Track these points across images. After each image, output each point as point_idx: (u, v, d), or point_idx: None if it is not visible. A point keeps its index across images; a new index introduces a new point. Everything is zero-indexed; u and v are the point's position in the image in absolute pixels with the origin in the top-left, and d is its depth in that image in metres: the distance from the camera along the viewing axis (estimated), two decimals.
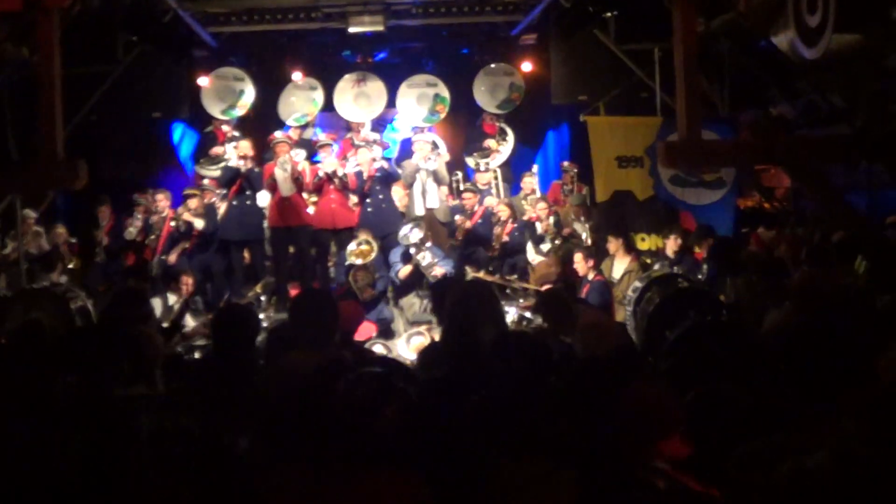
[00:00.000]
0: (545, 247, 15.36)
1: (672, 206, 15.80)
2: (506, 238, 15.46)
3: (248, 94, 17.56)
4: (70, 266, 15.24)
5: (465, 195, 15.97)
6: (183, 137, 18.40)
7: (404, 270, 14.34)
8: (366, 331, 12.25)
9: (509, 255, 15.56)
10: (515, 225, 15.53)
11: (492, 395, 4.64)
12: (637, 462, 4.13)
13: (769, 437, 3.44)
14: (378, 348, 11.80)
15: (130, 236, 15.22)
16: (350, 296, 13.34)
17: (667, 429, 4.21)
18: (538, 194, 16.41)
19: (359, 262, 14.01)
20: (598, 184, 15.93)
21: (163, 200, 15.47)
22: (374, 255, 14.09)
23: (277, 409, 4.96)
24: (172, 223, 15.15)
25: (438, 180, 15.91)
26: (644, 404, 4.31)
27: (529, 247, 15.55)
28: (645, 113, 15.92)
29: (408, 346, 12.89)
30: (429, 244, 14.51)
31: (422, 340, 12.74)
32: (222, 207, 15.49)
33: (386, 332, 13.61)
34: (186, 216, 15.08)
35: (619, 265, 14.12)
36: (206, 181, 16.58)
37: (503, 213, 15.56)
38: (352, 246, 14.27)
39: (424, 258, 14.15)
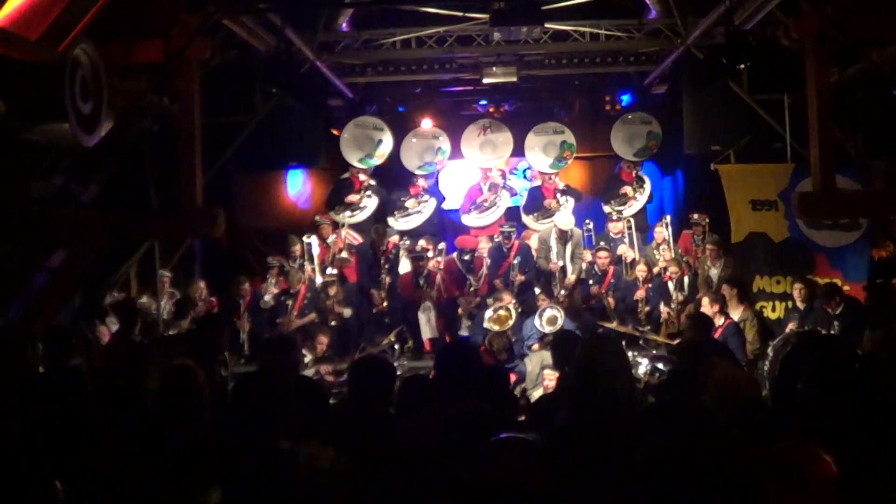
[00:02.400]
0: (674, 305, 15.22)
1: (807, 248, 15.50)
2: (641, 295, 15.33)
3: (386, 144, 17.77)
4: None
5: (600, 254, 15.87)
6: (302, 183, 18.71)
7: (536, 348, 14.31)
8: None
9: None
10: (650, 285, 15.39)
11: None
12: None
13: None
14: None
15: (266, 305, 15.42)
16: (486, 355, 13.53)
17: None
18: (670, 245, 16.24)
19: (496, 328, 14.06)
20: (734, 227, 15.76)
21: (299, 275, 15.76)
22: (511, 322, 14.10)
23: (417, 459, 4.96)
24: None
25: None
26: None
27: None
28: (775, 161, 15.71)
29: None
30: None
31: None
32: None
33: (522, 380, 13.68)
34: (338, 309, 15.19)
35: (734, 315, 13.89)
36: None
37: (642, 273, 15.47)
38: (489, 312, 14.30)
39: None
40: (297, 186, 18.65)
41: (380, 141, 17.80)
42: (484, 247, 16.16)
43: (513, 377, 13.23)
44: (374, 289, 15.59)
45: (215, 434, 5.12)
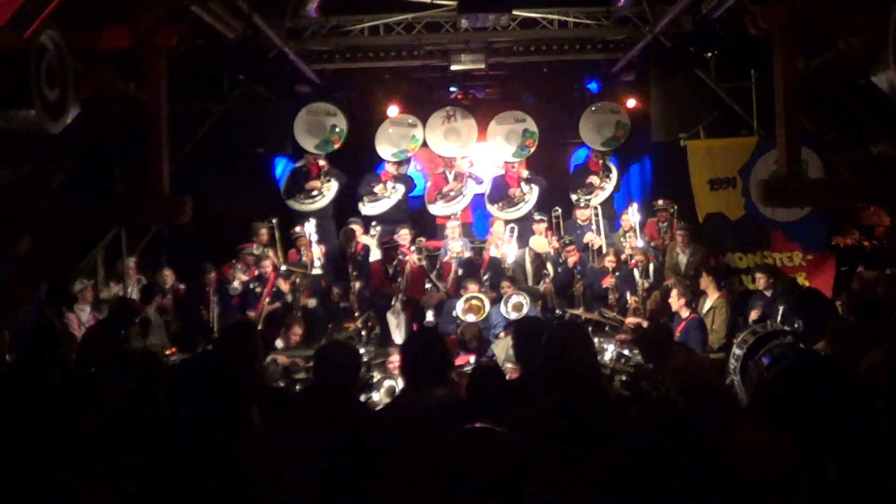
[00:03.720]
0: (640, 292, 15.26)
1: (763, 224, 15.66)
2: (610, 282, 15.27)
3: (341, 129, 17.78)
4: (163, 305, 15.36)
5: (567, 248, 15.77)
6: (285, 172, 18.61)
7: (503, 335, 14.23)
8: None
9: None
10: (619, 274, 15.40)
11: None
12: None
13: None
14: None
15: (235, 292, 15.36)
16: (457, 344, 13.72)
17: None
18: (637, 232, 16.28)
19: (470, 317, 14.08)
20: (697, 208, 15.98)
21: (268, 261, 15.72)
22: (486, 311, 14.14)
23: (392, 445, 4.97)
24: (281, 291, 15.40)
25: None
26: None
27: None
28: None
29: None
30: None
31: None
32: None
33: None
34: (303, 300, 15.20)
35: (709, 301, 14.04)
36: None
37: (611, 262, 15.44)
38: (460, 303, 14.33)
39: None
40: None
41: (333, 126, 17.81)
42: (453, 257, 16.10)
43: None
44: (335, 287, 15.56)
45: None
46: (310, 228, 16.01)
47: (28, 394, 5.76)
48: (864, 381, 6.77)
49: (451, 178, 17.82)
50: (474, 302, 14.27)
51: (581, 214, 17.03)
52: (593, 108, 18.12)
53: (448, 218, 17.31)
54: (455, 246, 16.11)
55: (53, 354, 9.35)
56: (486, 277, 15.46)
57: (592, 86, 18.64)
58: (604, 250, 16.05)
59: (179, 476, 3.99)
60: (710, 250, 15.61)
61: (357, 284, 15.29)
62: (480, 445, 4.15)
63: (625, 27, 15.59)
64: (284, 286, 15.24)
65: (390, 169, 17.76)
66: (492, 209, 17.83)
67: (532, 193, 17.64)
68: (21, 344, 10.37)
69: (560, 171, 18.96)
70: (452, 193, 17.73)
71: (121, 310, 12.29)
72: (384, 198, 17.59)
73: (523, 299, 14.26)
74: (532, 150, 18.18)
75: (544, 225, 16.56)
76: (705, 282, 14.24)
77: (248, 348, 7.25)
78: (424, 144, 18.23)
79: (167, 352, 13.19)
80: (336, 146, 17.83)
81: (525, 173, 17.92)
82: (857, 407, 4.60)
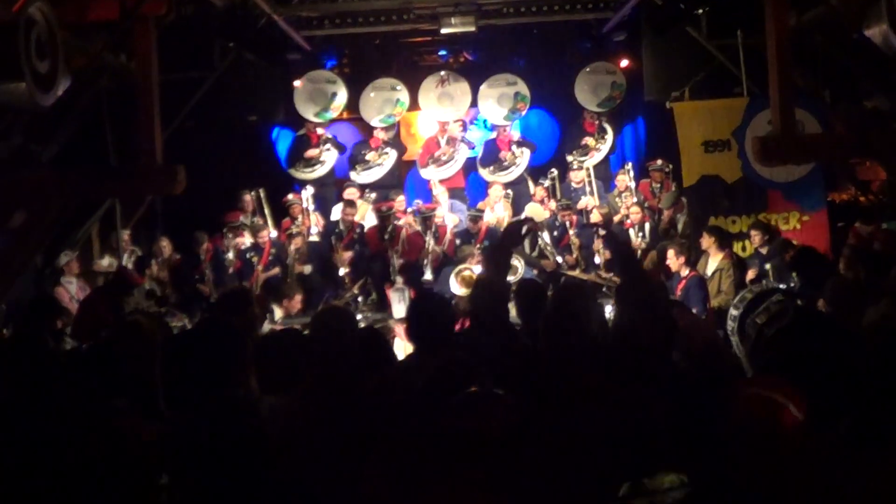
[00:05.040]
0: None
1: (760, 185, 15.67)
2: (600, 247, 15.29)
3: (341, 97, 17.75)
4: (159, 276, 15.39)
5: (564, 213, 15.85)
6: (277, 140, 18.60)
7: None
8: None
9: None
10: (605, 232, 15.33)
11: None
12: None
13: None
14: None
15: (231, 264, 15.41)
16: None
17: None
18: (633, 192, 16.28)
19: (463, 290, 14.04)
20: (685, 170, 15.91)
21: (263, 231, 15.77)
22: None
23: (395, 410, 4.97)
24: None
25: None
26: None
27: None
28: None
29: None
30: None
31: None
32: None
33: None
34: (297, 267, 15.21)
35: (713, 262, 13.98)
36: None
37: (597, 219, 15.45)
38: (453, 278, 14.36)
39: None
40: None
41: (334, 94, 17.76)
42: (448, 221, 16.17)
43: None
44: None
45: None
46: (307, 195, 16.02)
47: (25, 367, 5.74)
48: (865, 337, 6.79)
49: (443, 142, 17.76)
50: (466, 274, 14.27)
51: (575, 177, 17.03)
52: (588, 70, 17.97)
53: (443, 182, 17.37)
54: (442, 210, 16.24)
55: (50, 326, 9.39)
56: (482, 246, 15.42)
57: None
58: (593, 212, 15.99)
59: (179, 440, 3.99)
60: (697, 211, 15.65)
61: (349, 254, 15.42)
62: (479, 409, 4.17)
63: None
64: (296, 243, 15.25)
65: (379, 135, 17.71)
66: (483, 173, 17.80)
67: (523, 157, 17.61)
68: (17, 317, 10.38)
69: (558, 135, 18.92)
70: (444, 158, 17.67)
71: (119, 280, 12.31)
72: (377, 165, 17.59)
73: (517, 262, 14.26)
74: (524, 113, 18.13)
75: (542, 190, 16.58)
76: (707, 241, 14.19)
77: (244, 316, 7.26)
78: (413, 108, 18.21)
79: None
80: (335, 115, 17.83)
81: (516, 136, 17.91)
82: (858, 362, 4.61)
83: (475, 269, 14.23)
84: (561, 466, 4.26)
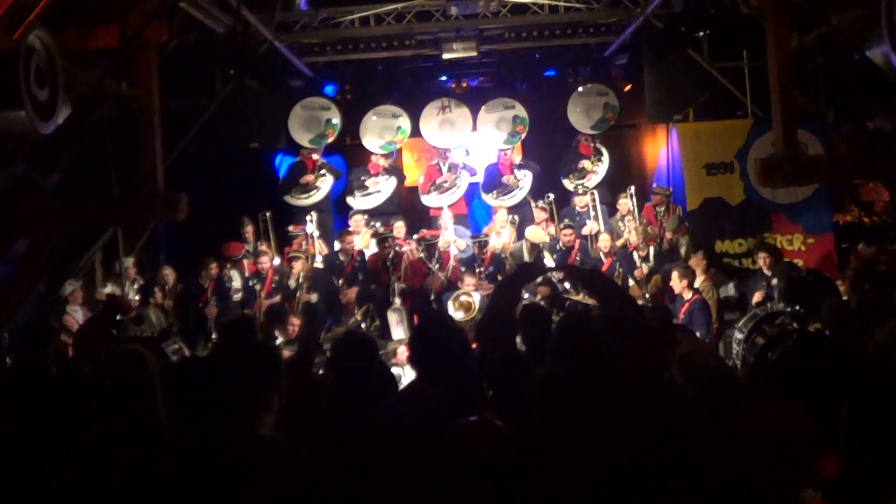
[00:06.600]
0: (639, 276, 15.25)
1: (764, 208, 15.66)
2: (606, 268, 15.22)
3: (336, 123, 17.74)
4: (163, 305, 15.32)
5: (564, 232, 15.80)
6: (280, 166, 18.59)
7: None
8: None
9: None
10: (614, 257, 15.40)
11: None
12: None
13: None
14: None
15: (236, 293, 15.39)
16: None
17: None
18: (635, 216, 16.24)
19: (460, 315, 14.01)
20: (688, 192, 15.89)
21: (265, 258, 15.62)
22: (475, 309, 14.07)
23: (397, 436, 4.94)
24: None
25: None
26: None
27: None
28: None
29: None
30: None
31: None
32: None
33: None
34: (304, 297, 15.01)
35: (696, 282, 13.95)
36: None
37: (605, 245, 15.46)
38: (451, 303, 14.36)
39: None
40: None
41: (328, 120, 17.74)
42: (453, 248, 16.14)
43: None
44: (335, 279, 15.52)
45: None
46: (311, 228, 16.08)
47: (26, 392, 5.72)
48: (872, 359, 6.75)
49: (444, 169, 17.75)
50: (464, 299, 14.24)
51: (579, 201, 16.95)
52: (580, 90, 17.93)
53: (440, 209, 17.27)
54: (449, 236, 16.18)
55: (49, 350, 9.36)
56: (490, 270, 15.47)
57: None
58: (601, 237, 15.94)
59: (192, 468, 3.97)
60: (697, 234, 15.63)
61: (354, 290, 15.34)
62: (477, 438, 4.14)
63: (616, 9, 15.51)
64: (297, 268, 15.12)
65: (380, 161, 17.69)
66: (487, 198, 17.74)
67: (526, 179, 17.54)
68: (19, 345, 10.37)
69: (556, 159, 18.88)
70: (446, 185, 17.66)
71: (110, 307, 12.37)
72: (376, 192, 17.57)
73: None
74: (523, 136, 18.05)
75: (545, 215, 16.55)
76: (696, 260, 14.17)
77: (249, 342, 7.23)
78: (414, 135, 18.17)
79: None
80: (330, 139, 17.79)
81: (517, 159, 17.89)
82: (862, 384, 4.57)
83: (474, 295, 14.20)
84: (560, 496, 4.22)
